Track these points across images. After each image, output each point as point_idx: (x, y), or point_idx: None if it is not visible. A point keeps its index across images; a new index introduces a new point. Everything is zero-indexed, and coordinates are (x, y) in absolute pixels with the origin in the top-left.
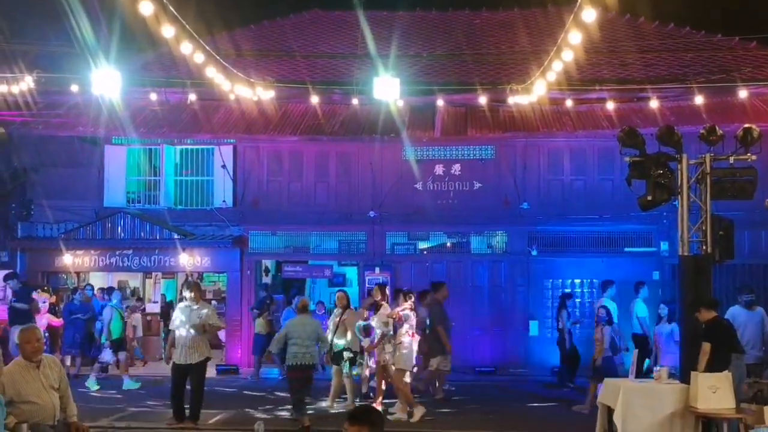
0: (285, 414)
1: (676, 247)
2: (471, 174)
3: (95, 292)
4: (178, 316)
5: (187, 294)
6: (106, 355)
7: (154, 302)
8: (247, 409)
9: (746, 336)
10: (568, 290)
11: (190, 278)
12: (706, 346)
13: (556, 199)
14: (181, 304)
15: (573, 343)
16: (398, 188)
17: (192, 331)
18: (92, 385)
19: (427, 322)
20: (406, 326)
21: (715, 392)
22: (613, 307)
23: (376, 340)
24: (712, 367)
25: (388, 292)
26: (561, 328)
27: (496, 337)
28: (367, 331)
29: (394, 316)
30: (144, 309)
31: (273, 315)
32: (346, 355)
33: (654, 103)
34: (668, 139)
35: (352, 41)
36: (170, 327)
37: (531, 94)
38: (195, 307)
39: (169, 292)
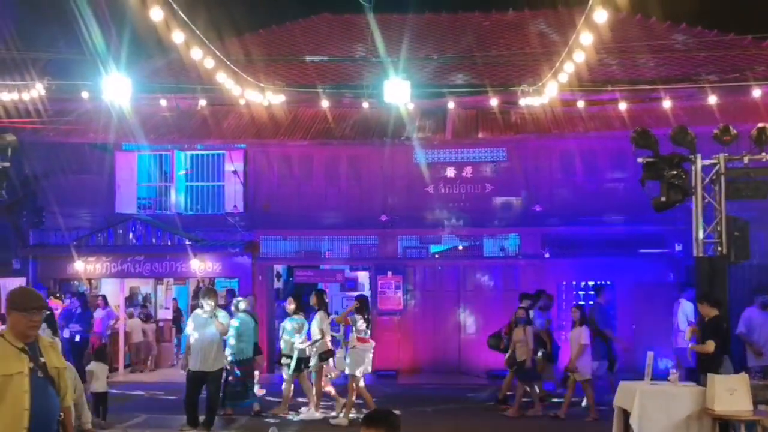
0: (300, 416)
1: (691, 248)
2: (483, 176)
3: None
4: (194, 324)
5: (205, 302)
6: None
7: (166, 308)
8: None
9: (762, 337)
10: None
11: (201, 285)
12: (710, 345)
13: (568, 200)
14: (198, 312)
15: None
16: (409, 192)
17: (210, 337)
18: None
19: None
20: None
21: (732, 394)
22: (690, 307)
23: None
24: (712, 365)
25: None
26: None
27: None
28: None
29: (341, 321)
30: (148, 315)
31: None
32: (284, 360)
33: (667, 104)
34: (681, 140)
35: (362, 44)
36: (186, 334)
37: (542, 96)
38: (212, 314)
39: (181, 299)
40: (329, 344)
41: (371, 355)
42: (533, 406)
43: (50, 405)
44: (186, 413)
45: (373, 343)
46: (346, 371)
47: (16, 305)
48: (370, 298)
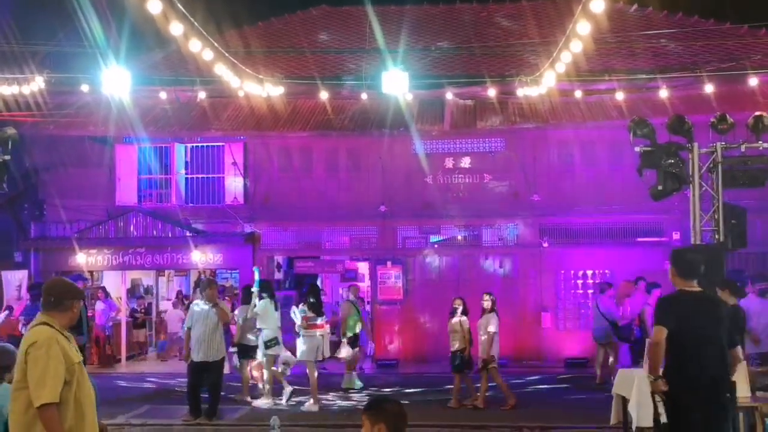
0: (304, 405)
1: (689, 236)
2: (481, 167)
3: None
4: (194, 315)
5: (205, 293)
6: (344, 351)
7: (168, 300)
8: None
9: (760, 325)
10: None
11: (203, 276)
12: None
13: (566, 190)
14: (198, 302)
15: None
16: (408, 182)
17: (212, 327)
18: (355, 384)
19: None
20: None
21: None
22: None
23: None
24: None
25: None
26: None
27: (509, 329)
28: None
29: (304, 326)
30: (147, 306)
31: None
32: (233, 349)
33: (664, 93)
34: (678, 129)
35: (360, 36)
36: (186, 325)
37: (540, 86)
38: (211, 305)
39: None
40: (275, 332)
41: (321, 340)
42: (453, 397)
43: (96, 390)
44: (188, 403)
45: (326, 329)
46: (299, 357)
47: (78, 294)
48: (370, 288)
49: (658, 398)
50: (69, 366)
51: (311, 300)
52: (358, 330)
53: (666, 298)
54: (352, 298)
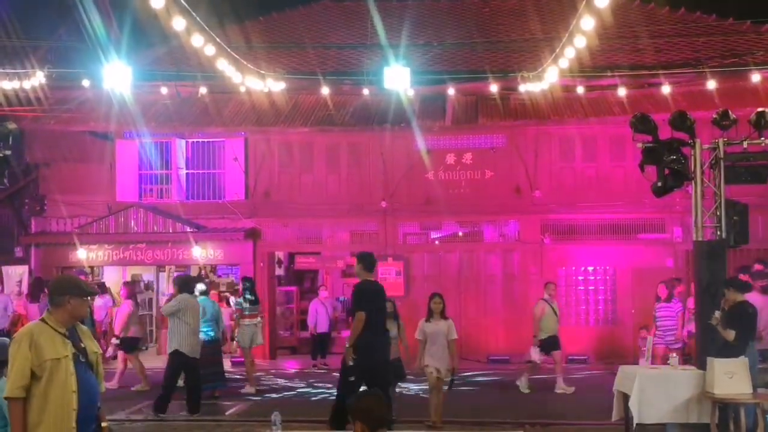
0: (304, 403)
1: (690, 232)
2: (482, 163)
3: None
4: None
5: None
6: (534, 353)
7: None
8: (262, 399)
9: (762, 321)
10: None
11: (203, 272)
12: (731, 334)
13: (568, 186)
14: None
15: None
16: (409, 178)
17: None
18: (523, 387)
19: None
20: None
21: (731, 377)
22: None
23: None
24: (733, 352)
25: None
26: None
27: (510, 325)
28: None
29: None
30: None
31: None
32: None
33: (666, 89)
34: (681, 125)
35: (362, 31)
36: None
37: (542, 82)
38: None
39: None
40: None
41: (255, 328)
42: None
43: (93, 388)
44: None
45: (257, 319)
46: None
47: (77, 291)
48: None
49: (351, 355)
50: (41, 362)
51: (247, 293)
52: (553, 332)
53: (360, 289)
54: (547, 296)
